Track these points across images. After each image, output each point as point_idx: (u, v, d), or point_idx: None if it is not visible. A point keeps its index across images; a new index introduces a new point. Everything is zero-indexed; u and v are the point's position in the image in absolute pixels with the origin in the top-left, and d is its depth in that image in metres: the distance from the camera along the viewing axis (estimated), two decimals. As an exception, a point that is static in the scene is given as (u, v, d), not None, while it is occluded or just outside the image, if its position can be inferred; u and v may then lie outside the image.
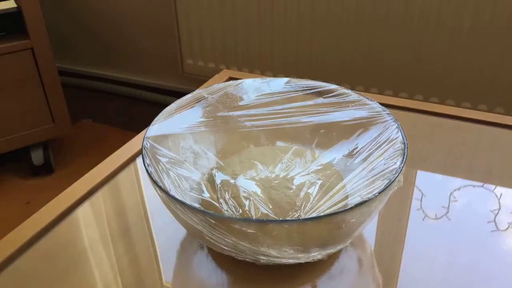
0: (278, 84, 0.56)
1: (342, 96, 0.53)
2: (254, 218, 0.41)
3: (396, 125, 0.48)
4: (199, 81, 0.75)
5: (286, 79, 0.56)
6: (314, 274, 0.43)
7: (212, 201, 0.44)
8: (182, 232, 0.48)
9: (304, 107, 0.54)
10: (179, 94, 0.56)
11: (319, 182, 0.45)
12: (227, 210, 0.42)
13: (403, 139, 0.45)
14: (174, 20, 1.41)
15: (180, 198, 0.39)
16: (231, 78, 0.76)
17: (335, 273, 0.43)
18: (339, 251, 0.44)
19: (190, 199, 0.45)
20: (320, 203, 0.42)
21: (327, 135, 0.53)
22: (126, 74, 1.68)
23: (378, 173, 0.44)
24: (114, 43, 1.64)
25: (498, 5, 1.04)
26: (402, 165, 0.41)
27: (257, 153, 0.51)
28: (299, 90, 0.55)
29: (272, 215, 0.41)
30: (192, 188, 0.47)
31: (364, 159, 0.48)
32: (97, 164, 0.57)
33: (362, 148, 0.49)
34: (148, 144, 0.46)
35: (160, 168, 0.45)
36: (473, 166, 0.58)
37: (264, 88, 0.56)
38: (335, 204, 0.42)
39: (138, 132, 0.63)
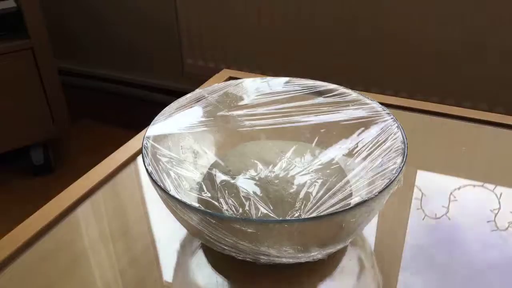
0: (278, 83, 0.56)
1: (342, 96, 0.53)
2: (254, 218, 0.41)
3: (396, 124, 0.48)
4: (199, 80, 0.75)
5: (286, 79, 0.56)
6: (314, 274, 0.43)
7: (212, 201, 0.44)
8: (182, 232, 0.48)
9: (304, 106, 0.54)
10: (179, 94, 0.56)
11: (320, 181, 0.45)
12: (227, 210, 0.42)
13: (403, 138, 0.45)
14: (174, 20, 1.41)
15: (180, 198, 0.39)
16: (231, 78, 0.76)
17: (335, 273, 0.43)
18: (339, 251, 0.44)
19: (190, 199, 0.45)
20: (320, 203, 0.42)
21: (327, 134, 0.53)
22: (126, 74, 1.68)
23: (378, 172, 0.44)
24: (114, 42, 1.64)
25: (498, 5, 1.04)
26: (402, 164, 0.41)
27: (253, 147, 0.51)
28: (299, 90, 0.55)
29: (272, 215, 0.41)
30: (192, 188, 0.47)
31: (364, 159, 0.48)
32: (97, 164, 0.57)
33: (362, 147, 0.49)
34: (148, 144, 0.46)
35: (160, 168, 0.45)
36: (473, 166, 0.58)
37: (264, 88, 0.56)
38: (336, 203, 0.42)
39: (138, 132, 0.62)
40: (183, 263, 0.46)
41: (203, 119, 0.53)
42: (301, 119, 0.54)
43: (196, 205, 0.43)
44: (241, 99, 0.55)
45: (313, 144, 0.53)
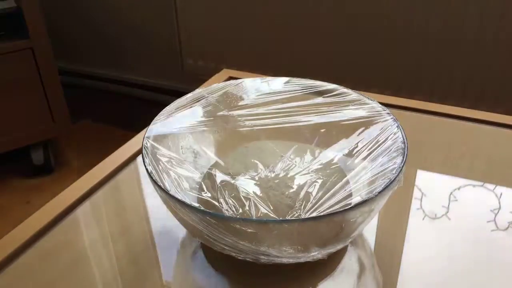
0: (278, 83, 0.56)
1: (342, 96, 0.53)
2: (254, 217, 0.41)
3: (396, 124, 0.48)
4: (199, 80, 0.75)
5: (286, 79, 0.56)
6: (314, 274, 0.43)
7: (212, 201, 0.44)
8: (182, 232, 0.48)
9: (304, 106, 0.54)
10: (179, 94, 0.56)
11: (320, 181, 0.45)
12: (227, 210, 0.42)
13: (403, 138, 0.45)
14: (174, 19, 1.41)
15: (180, 198, 0.39)
16: (231, 78, 0.76)
17: (335, 273, 0.43)
18: (339, 251, 0.44)
19: (190, 198, 0.45)
20: (320, 203, 0.42)
21: (327, 134, 0.53)
22: (126, 73, 1.68)
23: (378, 172, 0.44)
24: (114, 42, 1.64)
25: (498, 5, 1.04)
26: (402, 164, 0.41)
27: (253, 147, 0.51)
28: (299, 90, 0.55)
29: (272, 215, 0.41)
30: (192, 188, 0.47)
31: (364, 159, 0.48)
32: (97, 164, 0.57)
33: (362, 147, 0.49)
34: (148, 144, 0.46)
35: (160, 167, 0.45)
36: (473, 166, 0.58)
37: (264, 87, 0.56)
38: (336, 203, 0.42)
39: (138, 132, 0.62)
40: (183, 263, 0.46)
41: (203, 119, 0.53)
42: (301, 119, 0.54)
43: (196, 205, 0.43)
44: (241, 99, 0.55)
45: (313, 144, 0.53)
